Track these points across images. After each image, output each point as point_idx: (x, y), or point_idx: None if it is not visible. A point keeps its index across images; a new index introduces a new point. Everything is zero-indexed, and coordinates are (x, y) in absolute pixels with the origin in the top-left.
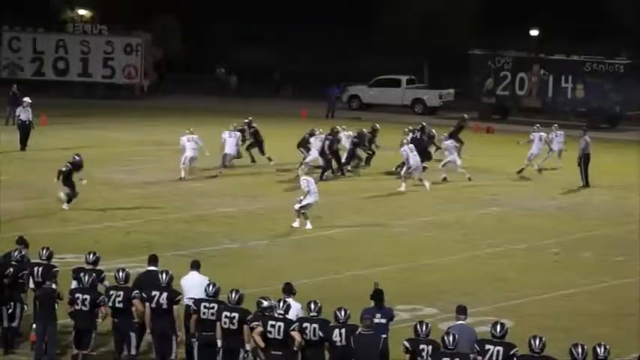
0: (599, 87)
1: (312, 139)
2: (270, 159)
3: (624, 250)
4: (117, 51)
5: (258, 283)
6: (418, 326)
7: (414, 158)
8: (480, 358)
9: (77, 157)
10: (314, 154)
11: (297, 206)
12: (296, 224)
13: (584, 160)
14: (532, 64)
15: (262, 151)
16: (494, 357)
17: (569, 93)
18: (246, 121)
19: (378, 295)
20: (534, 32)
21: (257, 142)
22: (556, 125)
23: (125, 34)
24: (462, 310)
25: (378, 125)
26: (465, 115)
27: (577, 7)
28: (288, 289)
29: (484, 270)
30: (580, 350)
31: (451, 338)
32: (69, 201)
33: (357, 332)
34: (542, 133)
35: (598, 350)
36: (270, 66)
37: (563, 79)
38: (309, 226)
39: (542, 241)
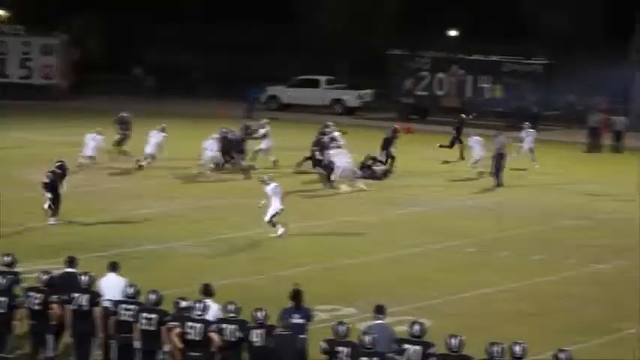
0: (518, 87)
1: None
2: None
3: (541, 249)
4: (34, 51)
5: (177, 284)
6: (336, 327)
7: (341, 160)
8: (398, 357)
9: (61, 164)
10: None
11: (267, 218)
12: (280, 231)
13: (499, 160)
14: (451, 64)
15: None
16: (412, 356)
17: (488, 93)
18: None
19: (296, 295)
20: (453, 33)
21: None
22: (527, 123)
23: (43, 34)
24: (380, 310)
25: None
26: (463, 115)
27: (496, 8)
28: (207, 291)
29: (403, 270)
30: (497, 349)
31: (369, 338)
32: (54, 214)
33: (275, 333)
34: (478, 137)
35: (515, 349)
36: (189, 66)
37: (481, 79)
38: (281, 231)
39: (461, 241)
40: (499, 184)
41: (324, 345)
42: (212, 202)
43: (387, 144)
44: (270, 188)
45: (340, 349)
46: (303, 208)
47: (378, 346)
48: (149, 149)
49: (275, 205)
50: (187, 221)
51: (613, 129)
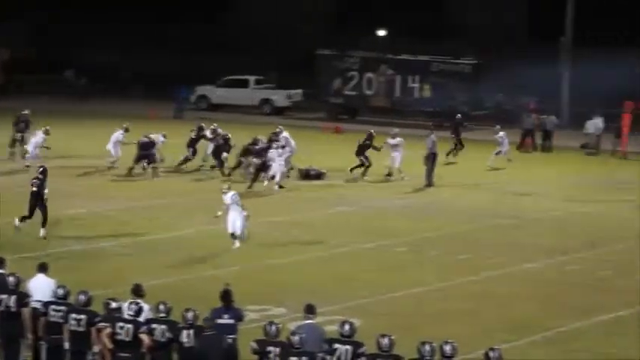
0: (446, 87)
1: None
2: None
3: (471, 248)
4: None
5: (107, 284)
6: (267, 327)
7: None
8: (328, 357)
9: (43, 168)
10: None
11: (233, 230)
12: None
13: (432, 160)
14: (379, 64)
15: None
16: (342, 356)
17: (417, 93)
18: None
19: (226, 295)
20: (382, 32)
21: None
22: (498, 126)
23: None
24: (310, 309)
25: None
26: (459, 115)
27: (424, 8)
28: (137, 291)
29: (333, 269)
30: (428, 348)
31: (298, 338)
32: (23, 219)
33: (201, 333)
34: (399, 139)
35: (445, 348)
36: (119, 66)
37: (410, 78)
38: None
39: (391, 241)
40: (430, 184)
41: (254, 345)
42: (142, 203)
43: (362, 149)
44: (228, 197)
45: (270, 349)
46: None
47: (308, 346)
48: (110, 148)
49: (234, 217)
50: (117, 222)
51: (542, 128)
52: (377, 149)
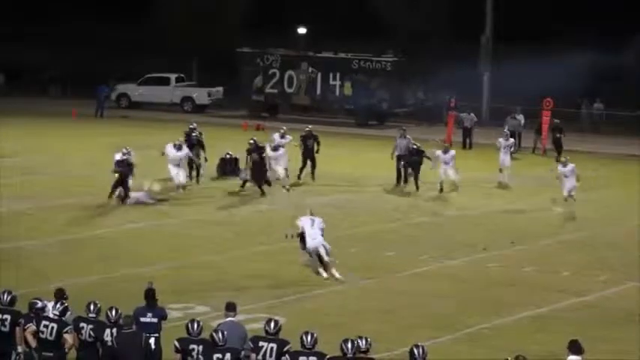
0: (367, 84)
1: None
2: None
3: (392, 246)
4: None
5: (30, 283)
6: (189, 325)
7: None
8: (253, 355)
9: None
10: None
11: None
12: None
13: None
14: (300, 62)
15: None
16: (267, 354)
17: (338, 90)
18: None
19: (149, 294)
20: (302, 30)
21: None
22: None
23: None
24: (231, 307)
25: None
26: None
27: (345, 6)
28: (60, 295)
29: (256, 267)
30: (350, 345)
31: (220, 335)
32: None
33: (121, 332)
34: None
35: (360, 343)
36: (40, 65)
37: (331, 76)
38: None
39: None
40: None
41: (177, 344)
42: (61, 201)
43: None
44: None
45: (193, 347)
46: (153, 207)
47: (230, 343)
48: None
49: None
50: (37, 220)
51: (462, 126)
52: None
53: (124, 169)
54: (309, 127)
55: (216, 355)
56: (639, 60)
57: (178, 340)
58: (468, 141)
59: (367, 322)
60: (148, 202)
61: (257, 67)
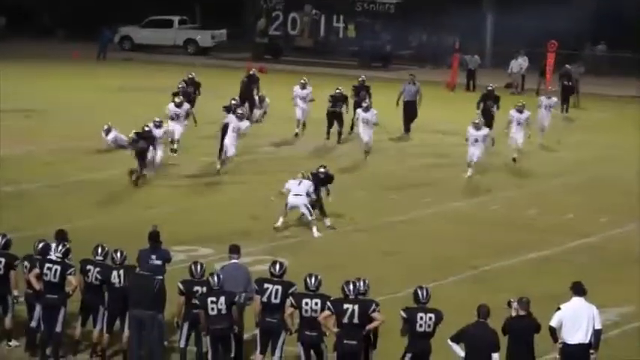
0: (371, 27)
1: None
2: None
3: (397, 188)
4: None
5: (33, 226)
6: (192, 267)
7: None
8: (257, 296)
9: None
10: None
11: None
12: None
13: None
14: (304, 4)
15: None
16: (272, 295)
17: (341, 33)
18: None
19: (153, 236)
20: None
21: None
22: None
23: None
24: (234, 250)
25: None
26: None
27: None
28: (61, 236)
29: (257, 209)
30: (352, 287)
31: (215, 279)
32: None
33: (134, 273)
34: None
35: (359, 285)
36: (41, 7)
37: (335, 18)
38: None
39: None
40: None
41: (181, 286)
42: (63, 144)
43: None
44: None
45: (197, 288)
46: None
47: (230, 285)
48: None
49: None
50: (41, 163)
51: (466, 68)
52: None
53: (143, 144)
54: (340, 88)
55: (210, 299)
56: None
57: (182, 282)
58: (471, 83)
59: (371, 264)
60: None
61: (260, 9)
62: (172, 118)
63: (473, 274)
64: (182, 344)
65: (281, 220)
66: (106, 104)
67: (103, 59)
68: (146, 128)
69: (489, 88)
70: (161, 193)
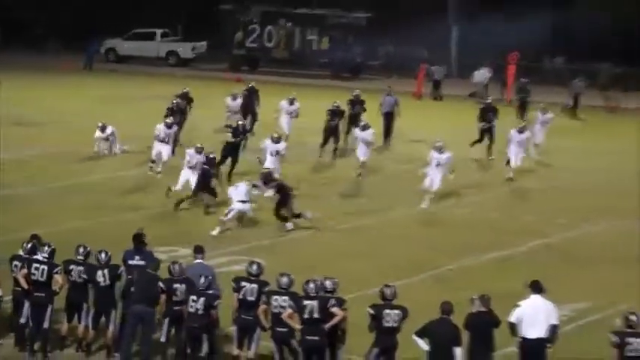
0: (342, 39)
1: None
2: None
3: (365, 192)
4: None
5: (22, 228)
6: (170, 266)
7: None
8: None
9: None
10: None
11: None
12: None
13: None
14: (279, 17)
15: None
16: (248, 293)
17: (315, 45)
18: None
19: (137, 238)
20: None
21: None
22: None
23: None
24: (199, 250)
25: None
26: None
27: None
28: (34, 238)
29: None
30: (312, 286)
31: (177, 267)
32: None
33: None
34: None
35: (326, 283)
36: (32, 19)
37: (309, 31)
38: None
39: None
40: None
41: (161, 284)
42: (57, 150)
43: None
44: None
45: (176, 286)
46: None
47: (198, 284)
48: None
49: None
50: (36, 167)
51: (432, 78)
52: None
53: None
54: (337, 102)
55: (192, 297)
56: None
57: (162, 280)
58: (437, 93)
59: (341, 264)
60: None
61: (238, 22)
62: (162, 140)
63: (437, 274)
64: (163, 339)
65: (218, 229)
66: (93, 112)
67: (89, 70)
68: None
69: (488, 101)
70: (142, 195)
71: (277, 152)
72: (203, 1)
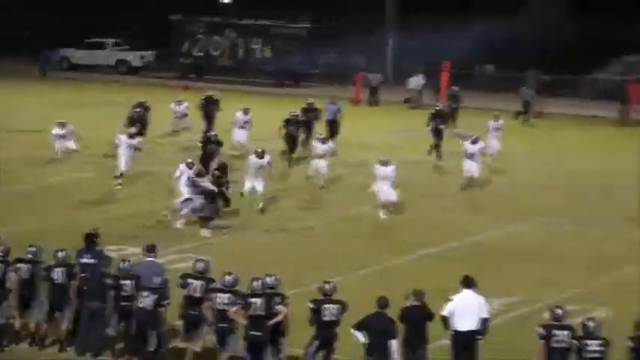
0: (285, 49)
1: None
2: None
3: (307, 193)
4: None
5: None
6: (120, 264)
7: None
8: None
9: None
10: None
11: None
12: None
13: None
14: (225, 27)
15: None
16: (192, 289)
17: (259, 54)
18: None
19: (88, 237)
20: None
21: None
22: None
23: None
24: (150, 249)
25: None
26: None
27: None
28: None
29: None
30: (259, 283)
31: (126, 264)
32: None
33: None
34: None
35: (267, 280)
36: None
37: (253, 41)
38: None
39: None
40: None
41: (110, 281)
42: (13, 154)
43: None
44: None
45: (124, 282)
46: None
47: (145, 280)
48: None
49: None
50: None
51: (369, 85)
52: None
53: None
54: (295, 112)
55: (142, 292)
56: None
57: (111, 277)
58: (374, 99)
59: (281, 262)
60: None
61: (186, 32)
62: (124, 151)
63: (374, 270)
64: (112, 333)
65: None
66: (46, 117)
67: (44, 76)
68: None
69: (437, 107)
70: (93, 196)
71: (261, 167)
72: (153, 12)
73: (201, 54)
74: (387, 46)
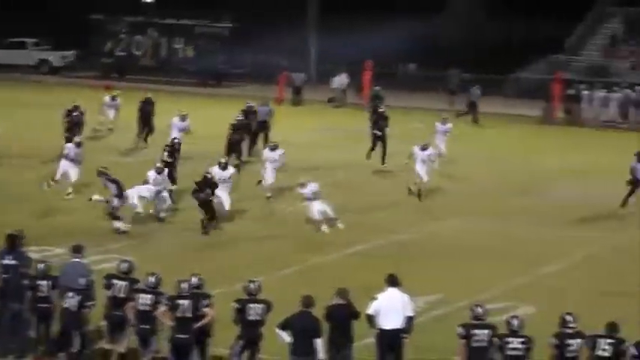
0: (207, 48)
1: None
2: None
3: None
4: None
5: None
6: (37, 266)
7: None
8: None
9: None
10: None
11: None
12: None
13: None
14: (147, 27)
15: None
16: (118, 290)
17: (181, 53)
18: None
19: (10, 238)
20: None
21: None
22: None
23: None
24: (77, 249)
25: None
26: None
27: None
28: None
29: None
30: (185, 286)
31: (42, 266)
32: None
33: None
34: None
35: (193, 280)
36: None
37: (176, 40)
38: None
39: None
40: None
41: (26, 282)
42: None
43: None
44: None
45: (40, 282)
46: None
47: (71, 280)
48: None
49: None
50: None
51: (293, 84)
52: None
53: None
54: (240, 116)
55: (68, 294)
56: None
57: (28, 278)
58: (298, 98)
59: (205, 260)
60: None
61: (108, 32)
62: (72, 160)
63: (298, 269)
64: (32, 334)
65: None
66: None
67: None
68: (208, 175)
69: (380, 109)
70: (18, 198)
71: (275, 160)
72: (74, 11)
73: (124, 54)
74: (310, 46)
